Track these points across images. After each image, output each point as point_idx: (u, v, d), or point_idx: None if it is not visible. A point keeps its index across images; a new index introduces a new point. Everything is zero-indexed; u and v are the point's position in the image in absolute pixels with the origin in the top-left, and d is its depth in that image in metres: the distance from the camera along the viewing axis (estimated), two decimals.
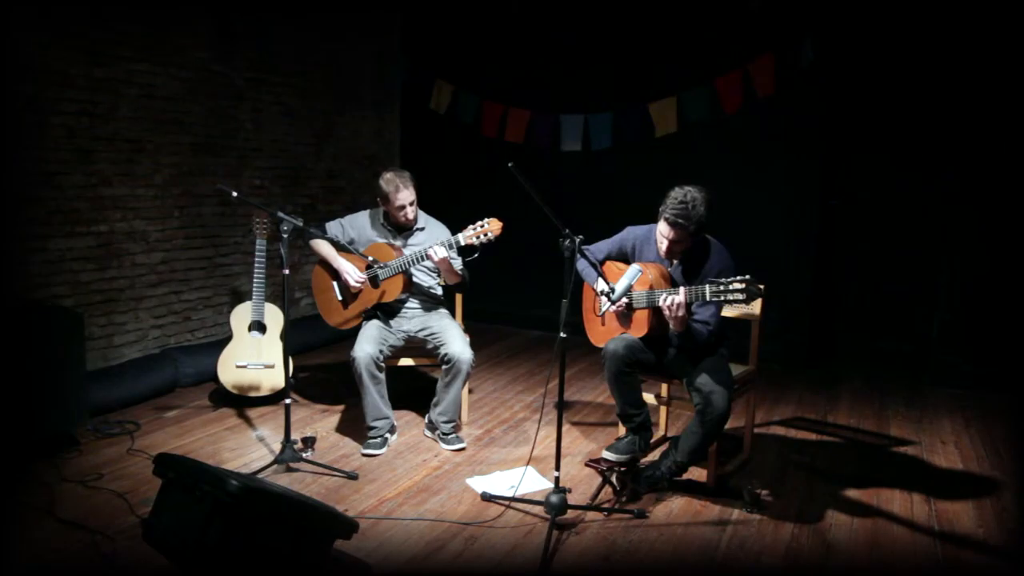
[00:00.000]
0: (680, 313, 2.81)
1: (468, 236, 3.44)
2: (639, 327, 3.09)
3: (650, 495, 3.15)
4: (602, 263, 3.30)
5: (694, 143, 5.29)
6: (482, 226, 3.43)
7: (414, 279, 3.74)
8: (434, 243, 3.51)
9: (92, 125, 4.04)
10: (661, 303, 2.84)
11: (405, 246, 3.72)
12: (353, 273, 3.64)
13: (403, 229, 3.77)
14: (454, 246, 3.49)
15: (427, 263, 3.63)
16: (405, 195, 3.61)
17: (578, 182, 5.75)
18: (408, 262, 3.56)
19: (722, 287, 2.67)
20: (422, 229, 3.80)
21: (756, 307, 3.41)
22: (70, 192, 3.97)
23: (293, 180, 5.46)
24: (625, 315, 3.16)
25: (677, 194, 2.93)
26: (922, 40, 4.79)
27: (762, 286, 3.41)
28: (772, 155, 5.22)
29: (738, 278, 2.65)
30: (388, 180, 3.61)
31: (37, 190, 3.82)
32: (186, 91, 4.54)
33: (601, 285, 3.07)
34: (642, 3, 5.47)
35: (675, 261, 3.10)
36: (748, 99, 5.12)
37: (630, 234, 3.27)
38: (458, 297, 3.98)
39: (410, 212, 3.67)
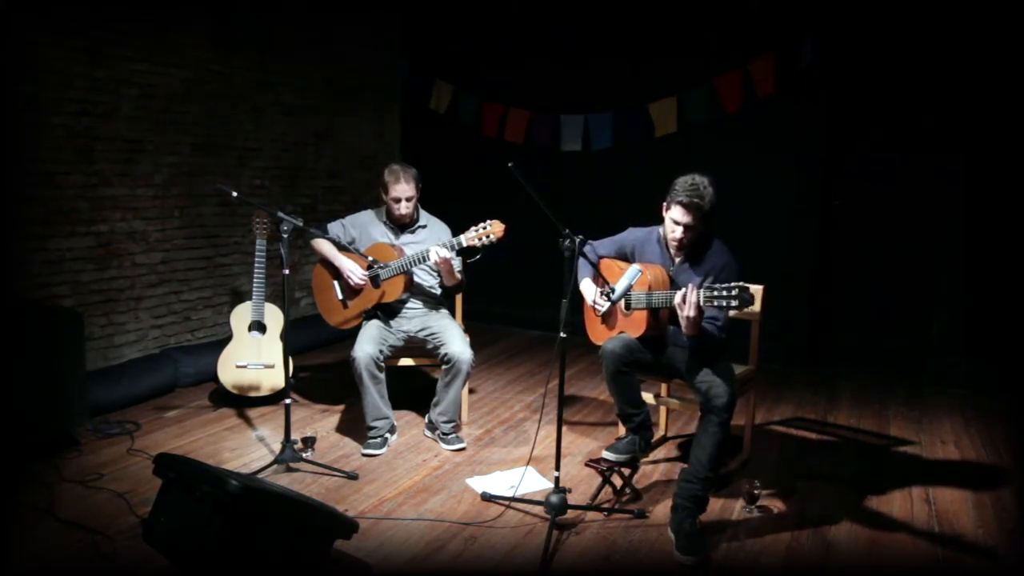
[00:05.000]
0: (693, 313, 2.73)
1: (470, 237, 3.44)
2: (636, 327, 3.09)
3: (650, 495, 3.16)
4: (600, 259, 3.30)
5: (694, 143, 5.29)
6: (484, 228, 3.43)
7: (415, 278, 3.75)
8: (436, 243, 3.51)
9: (92, 125, 4.04)
10: (676, 301, 2.77)
11: (407, 244, 3.73)
12: (355, 271, 3.64)
13: (405, 227, 3.78)
14: (455, 247, 3.49)
15: (428, 263, 3.63)
16: (403, 188, 3.62)
17: (578, 182, 5.74)
18: (409, 262, 3.57)
19: (715, 292, 2.66)
20: (424, 227, 3.81)
21: (756, 307, 3.41)
22: (70, 192, 3.97)
23: (293, 180, 5.46)
24: (622, 314, 3.16)
25: (684, 179, 2.92)
26: (923, 39, 4.79)
27: (759, 286, 3.45)
28: (773, 155, 5.22)
29: (731, 284, 2.64)
30: (391, 171, 3.66)
31: (37, 190, 3.82)
32: (186, 91, 4.54)
33: (596, 290, 3.07)
34: (642, 3, 5.47)
35: (677, 260, 3.09)
36: (748, 99, 5.12)
37: (631, 235, 3.25)
38: (458, 297, 3.98)
39: (404, 207, 3.66)
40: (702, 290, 2.70)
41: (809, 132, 5.15)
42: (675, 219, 2.95)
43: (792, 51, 4.97)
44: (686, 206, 2.89)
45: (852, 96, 5.08)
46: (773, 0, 5.04)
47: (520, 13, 5.88)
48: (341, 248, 3.72)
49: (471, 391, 4.38)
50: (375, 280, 3.66)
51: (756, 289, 3.44)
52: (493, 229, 3.42)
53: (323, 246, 3.74)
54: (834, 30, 4.93)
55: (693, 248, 3.04)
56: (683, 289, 2.76)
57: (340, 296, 3.76)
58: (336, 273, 3.74)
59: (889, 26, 4.85)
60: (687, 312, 2.73)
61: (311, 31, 5.45)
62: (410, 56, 6.34)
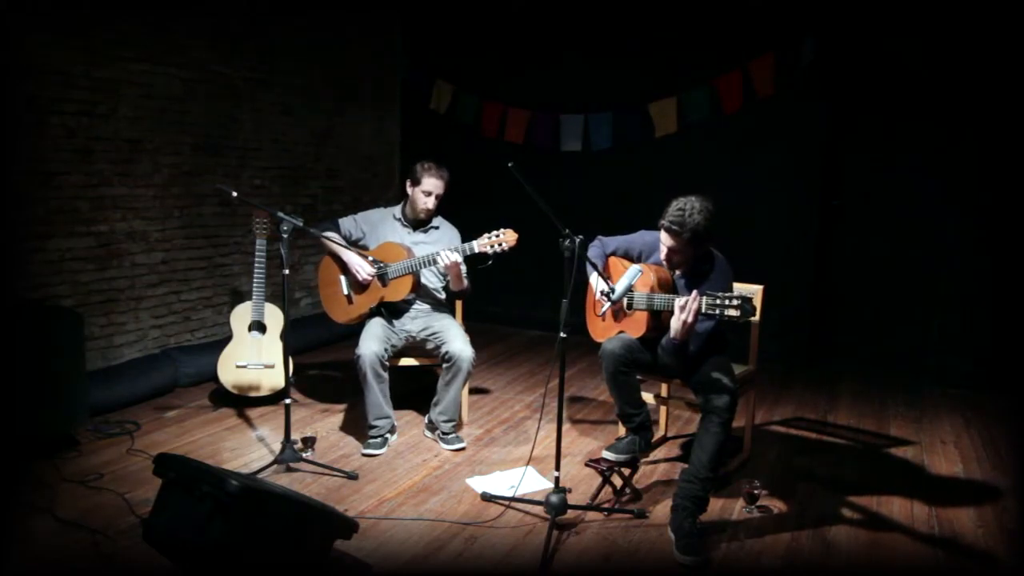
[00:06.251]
0: (691, 319, 2.74)
1: (482, 244, 3.44)
2: (637, 328, 3.09)
3: (650, 495, 3.16)
4: (608, 256, 3.31)
5: (694, 143, 5.29)
6: (497, 236, 3.43)
7: (421, 280, 3.75)
8: (447, 247, 3.51)
9: (92, 125, 4.03)
10: (677, 304, 2.77)
11: (417, 243, 3.74)
12: (363, 266, 3.65)
13: (419, 225, 3.78)
14: (467, 252, 3.49)
15: (438, 265, 3.63)
16: (435, 183, 3.66)
17: (578, 182, 5.75)
18: (418, 263, 3.57)
19: (718, 300, 2.66)
20: (436, 228, 3.83)
21: (754, 317, 3.40)
22: (70, 192, 3.97)
23: (293, 180, 5.46)
24: (623, 313, 3.16)
25: (677, 201, 2.92)
26: (923, 40, 4.79)
27: (759, 286, 3.45)
28: (772, 155, 5.22)
29: (735, 295, 2.65)
30: (426, 165, 3.69)
31: (37, 190, 3.82)
32: (186, 91, 4.54)
33: (601, 284, 3.07)
34: (642, 3, 5.47)
35: (678, 272, 3.09)
36: (748, 99, 5.12)
37: (640, 238, 3.26)
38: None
39: (431, 202, 3.70)
40: (705, 297, 2.70)
41: (809, 132, 5.15)
42: (662, 240, 2.98)
43: (792, 51, 4.97)
44: (667, 230, 2.92)
45: (852, 96, 5.08)
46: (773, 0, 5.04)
47: (520, 13, 5.88)
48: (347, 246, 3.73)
49: (473, 391, 4.38)
50: (383, 278, 3.66)
51: (756, 289, 3.45)
52: (506, 238, 3.42)
53: (331, 241, 3.74)
54: (834, 30, 4.93)
55: (694, 269, 3.04)
56: (687, 296, 2.75)
57: (346, 291, 3.76)
58: (344, 268, 3.74)
59: (889, 26, 4.86)
60: (685, 316, 2.74)
61: (311, 31, 5.45)
62: (410, 56, 6.34)
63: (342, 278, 3.77)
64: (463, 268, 3.63)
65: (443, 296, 3.87)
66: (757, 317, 3.38)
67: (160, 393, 4.24)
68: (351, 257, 3.67)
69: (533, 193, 2.70)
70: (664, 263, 3.06)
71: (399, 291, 3.64)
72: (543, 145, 5.80)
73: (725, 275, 3.05)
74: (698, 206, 2.89)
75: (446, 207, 3.91)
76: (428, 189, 3.67)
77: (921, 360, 4.99)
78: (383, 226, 3.79)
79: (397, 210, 3.84)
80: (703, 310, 2.71)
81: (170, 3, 4.37)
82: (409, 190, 3.74)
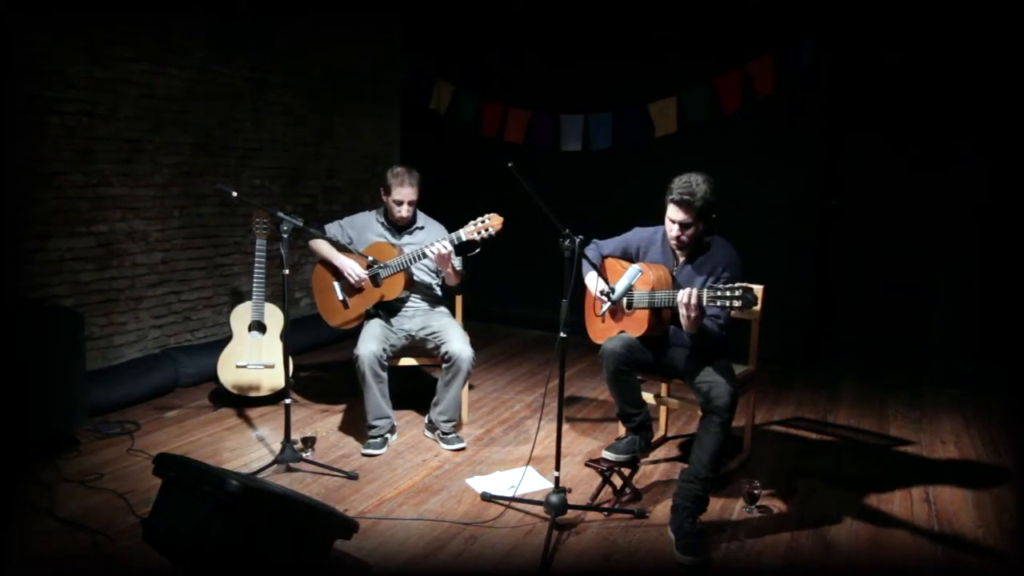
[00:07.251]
0: (695, 313, 2.75)
1: (469, 231, 3.45)
2: (637, 326, 3.09)
3: (650, 495, 3.16)
4: (604, 258, 3.31)
5: (694, 143, 5.29)
6: (483, 221, 3.44)
7: (415, 278, 3.75)
8: (435, 241, 3.51)
9: (92, 125, 4.03)
10: (679, 300, 2.77)
11: (404, 245, 3.73)
12: (356, 269, 3.65)
13: (403, 229, 3.78)
14: (455, 242, 3.50)
15: (427, 262, 3.64)
16: (406, 191, 3.64)
17: (578, 182, 5.74)
18: (409, 260, 3.57)
19: (719, 292, 2.66)
20: (422, 228, 3.82)
21: (756, 307, 3.41)
22: (70, 192, 3.97)
23: (293, 180, 5.46)
24: (623, 313, 3.16)
25: (679, 178, 2.96)
26: (922, 40, 4.79)
27: (759, 285, 3.45)
28: (772, 155, 5.22)
29: (735, 285, 2.65)
30: (396, 173, 3.67)
31: (37, 190, 3.82)
32: (186, 91, 4.54)
33: (600, 285, 3.07)
34: (642, 3, 5.47)
35: (681, 260, 3.09)
36: (748, 99, 5.12)
37: (636, 235, 3.26)
38: (458, 297, 3.99)
39: (405, 210, 3.68)
40: (705, 290, 2.70)
41: (808, 132, 5.14)
42: (671, 217, 2.98)
43: (792, 51, 4.97)
44: (678, 203, 2.93)
45: (851, 96, 5.08)
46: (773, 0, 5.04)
47: (520, 13, 5.88)
48: (340, 248, 3.73)
49: (471, 387, 4.38)
50: (375, 279, 3.66)
51: (756, 289, 3.44)
52: (492, 223, 3.42)
53: (322, 246, 3.74)
54: (834, 30, 4.93)
55: (696, 247, 3.04)
56: (686, 289, 2.76)
57: (340, 296, 3.76)
58: (336, 273, 3.74)
59: (889, 26, 4.86)
60: (689, 312, 2.74)
61: (311, 31, 5.45)
62: (410, 56, 6.34)
63: (336, 284, 3.77)
64: (455, 261, 3.63)
65: (440, 293, 3.87)
66: (758, 307, 3.39)
67: (160, 393, 4.24)
68: (342, 261, 3.68)
69: (533, 193, 2.70)
70: (673, 243, 3.05)
71: (393, 289, 3.64)
72: (543, 145, 5.80)
73: (726, 248, 3.06)
74: (700, 178, 2.94)
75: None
76: (399, 199, 3.65)
77: (921, 360, 4.99)
78: (369, 230, 3.79)
79: (381, 213, 3.83)
80: (704, 303, 2.72)
81: (170, 3, 4.37)
82: (384, 198, 3.73)
